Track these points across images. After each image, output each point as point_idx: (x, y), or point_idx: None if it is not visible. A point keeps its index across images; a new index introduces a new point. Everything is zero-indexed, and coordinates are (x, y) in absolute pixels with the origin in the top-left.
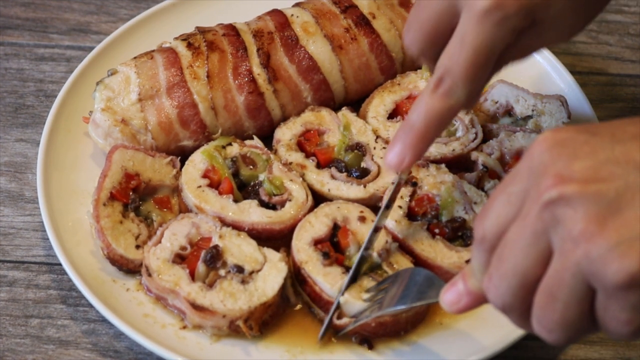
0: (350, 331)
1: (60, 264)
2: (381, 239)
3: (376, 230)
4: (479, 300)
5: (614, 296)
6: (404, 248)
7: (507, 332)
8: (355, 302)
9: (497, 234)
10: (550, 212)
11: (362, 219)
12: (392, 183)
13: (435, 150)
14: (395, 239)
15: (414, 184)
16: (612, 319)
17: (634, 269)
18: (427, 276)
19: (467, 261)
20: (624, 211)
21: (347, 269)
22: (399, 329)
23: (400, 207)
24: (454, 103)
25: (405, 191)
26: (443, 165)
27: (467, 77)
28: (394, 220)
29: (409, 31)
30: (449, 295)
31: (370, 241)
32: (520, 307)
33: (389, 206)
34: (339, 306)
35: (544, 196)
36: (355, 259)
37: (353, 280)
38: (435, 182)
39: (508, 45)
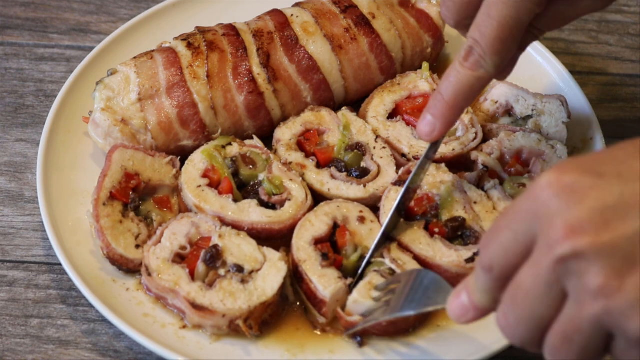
0: (361, 330)
1: (60, 264)
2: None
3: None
4: (484, 314)
5: (635, 346)
6: (403, 248)
7: None
8: (365, 301)
9: (504, 268)
10: (564, 266)
11: (362, 219)
12: (415, 160)
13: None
14: (393, 238)
15: (418, 187)
16: None
17: None
18: (435, 280)
19: (467, 260)
20: (638, 260)
21: (345, 272)
22: (408, 326)
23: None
24: (482, 73)
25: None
26: (443, 165)
27: (494, 49)
28: None
29: (445, 2)
30: (455, 309)
31: (377, 247)
32: (534, 343)
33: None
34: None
35: (556, 250)
36: (354, 257)
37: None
38: (435, 181)
39: (537, 16)
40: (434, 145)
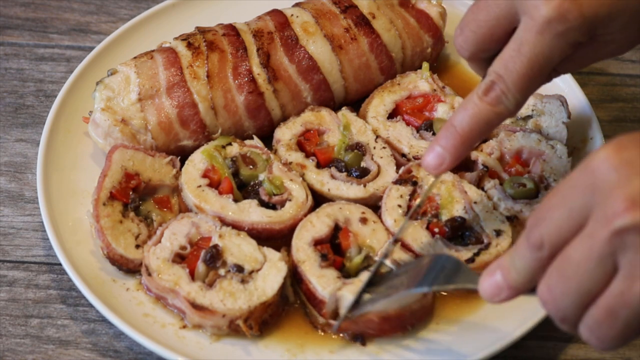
0: (353, 329)
1: (60, 264)
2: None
3: (396, 241)
4: (518, 293)
5: None
6: (403, 247)
7: (506, 332)
8: (351, 297)
9: (556, 245)
10: (621, 238)
11: (364, 220)
12: (419, 189)
13: None
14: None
15: (414, 183)
16: None
17: None
18: (455, 262)
19: (467, 260)
20: None
21: (345, 272)
22: (404, 323)
23: (399, 206)
24: (503, 110)
25: (406, 190)
26: None
27: (519, 86)
28: (392, 220)
29: (463, 32)
30: (488, 287)
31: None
32: (575, 318)
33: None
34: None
35: (615, 222)
36: (358, 259)
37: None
38: (437, 181)
39: (565, 57)
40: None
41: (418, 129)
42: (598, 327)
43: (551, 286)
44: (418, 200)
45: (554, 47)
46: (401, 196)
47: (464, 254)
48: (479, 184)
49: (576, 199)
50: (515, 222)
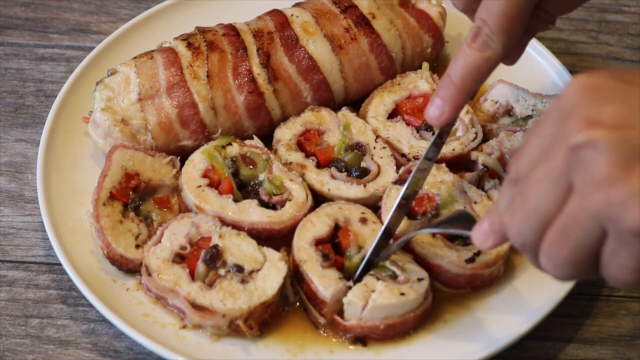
0: (357, 334)
1: (60, 264)
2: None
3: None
4: (503, 238)
5: (625, 242)
6: (404, 246)
7: (506, 331)
8: (360, 303)
9: (528, 175)
10: (576, 155)
11: (364, 220)
12: (433, 134)
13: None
14: (394, 237)
15: (421, 187)
16: (618, 265)
17: None
18: (463, 212)
19: (467, 260)
20: None
21: (345, 272)
22: (407, 328)
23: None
24: (490, 54)
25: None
26: (443, 165)
27: (501, 29)
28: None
29: None
30: (477, 234)
31: (379, 245)
32: (536, 244)
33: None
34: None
35: (571, 139)
36: (357, 259)
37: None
38: (435, 181)
39: None
40: (435, 146)
41: (418, 129)
42: (552, 249)
43: (514, 209)
44: (405, 185)
45: None
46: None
47: (464, 254)
48: (479, 184)
49: (546, 127)
50: None
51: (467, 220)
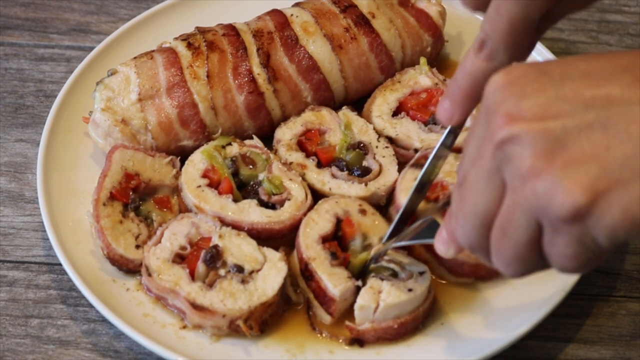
0: (372, 336)
1: (60, 264)
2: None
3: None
4: (462, 247)
5: (559, 231)
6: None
7: (506, 332)
8: (372, 306)
9: (465, 177)
10: (502, 151)
11: (363, 212)
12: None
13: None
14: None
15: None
16: (558, 254)
17: (579, 202)
18: (431, 221)
19: None
20: (569, 146)
21: (351, 268)
22: (417, 324)
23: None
24: (497, 65)
25: (420, 174)
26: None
27: (506, 44)
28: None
29: None
30: (438, 244)
31: (397, 227)
32: (484, 244)
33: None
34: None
35: (495, 136)
36: (363, 255)
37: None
38: (451, 170)
39: (550, 8)
40: (451, 133)
41: (426, 123)
42: (497, 249)
43: (456, 213)
44: (422, 170)
45: (529, 6)
46: (415, 179)
47: None
48: None
49: (477, 127)
50: None
51: (436, 228)
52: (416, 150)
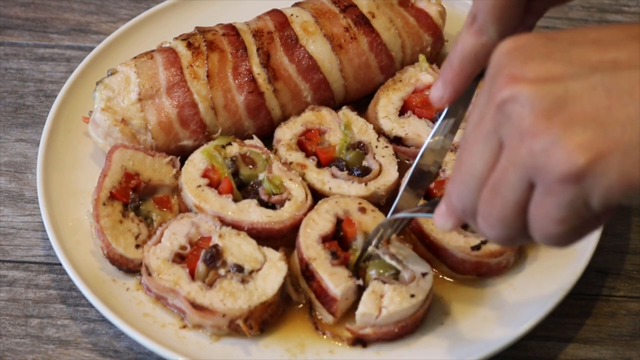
0: (372, 339)
1: (60, 264)
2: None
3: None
4: (459, 216)
5: (551, 191)
6: (414, 226)
7: (506, 332)
8: (374, 313)
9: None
10: (502, 111)
11: (363, 210)
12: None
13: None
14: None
15: (438, 167)
16: (545, 217)
17: (576, 162)
18: (436, 200)
19: (473, 247)
20: (570, 107)
21: (351, 267)
22: (417, 324)
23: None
24: (486, 40)
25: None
26: None
27: (494, 17)
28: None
29: None
30: (437, 217)
31: (379, 231)
32: (475, 208)
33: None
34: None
35: (496, 97)
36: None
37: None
38: None
39: None
40: (452, 126)
41: (433, 120)
42: (485, 209)
43: (453, 177)
44: (414, 164)
45: None
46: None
47: (471, 240)
48: None
49: (481, 94)
50: None
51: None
52: None
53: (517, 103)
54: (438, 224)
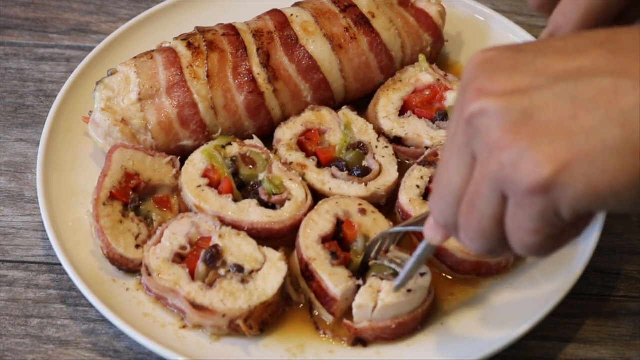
0: (369, 335)
1: (60, 264)
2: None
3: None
4: (446, 231)
5: (522, 203)
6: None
7: (506, 332)
8: (370, 305)
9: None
10: (471, 125)
11: (363, 211)
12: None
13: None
14: (407, 217)
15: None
16: (519, 229)
17: (543, 173)
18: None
19: None
20: (536, 118)
21: (352, 268)
22: (416, 324)
23: (417, 186)
24: None
25: (427, 172)
26: None
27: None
28: (408, 199)
29: None
30: (427, 230)
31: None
32: (456, 222)
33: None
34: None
35: (466, 111)
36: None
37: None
38: None
39: (632, 2)
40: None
41: (433, 120)
42: (464, 223)
43: (433, 192)
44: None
45: None
46: (422, 177)
47: None
48: None
49: (455, 110)
50: None
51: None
52: (427, 148)
53: (485, 116)
54: (427, 237)
